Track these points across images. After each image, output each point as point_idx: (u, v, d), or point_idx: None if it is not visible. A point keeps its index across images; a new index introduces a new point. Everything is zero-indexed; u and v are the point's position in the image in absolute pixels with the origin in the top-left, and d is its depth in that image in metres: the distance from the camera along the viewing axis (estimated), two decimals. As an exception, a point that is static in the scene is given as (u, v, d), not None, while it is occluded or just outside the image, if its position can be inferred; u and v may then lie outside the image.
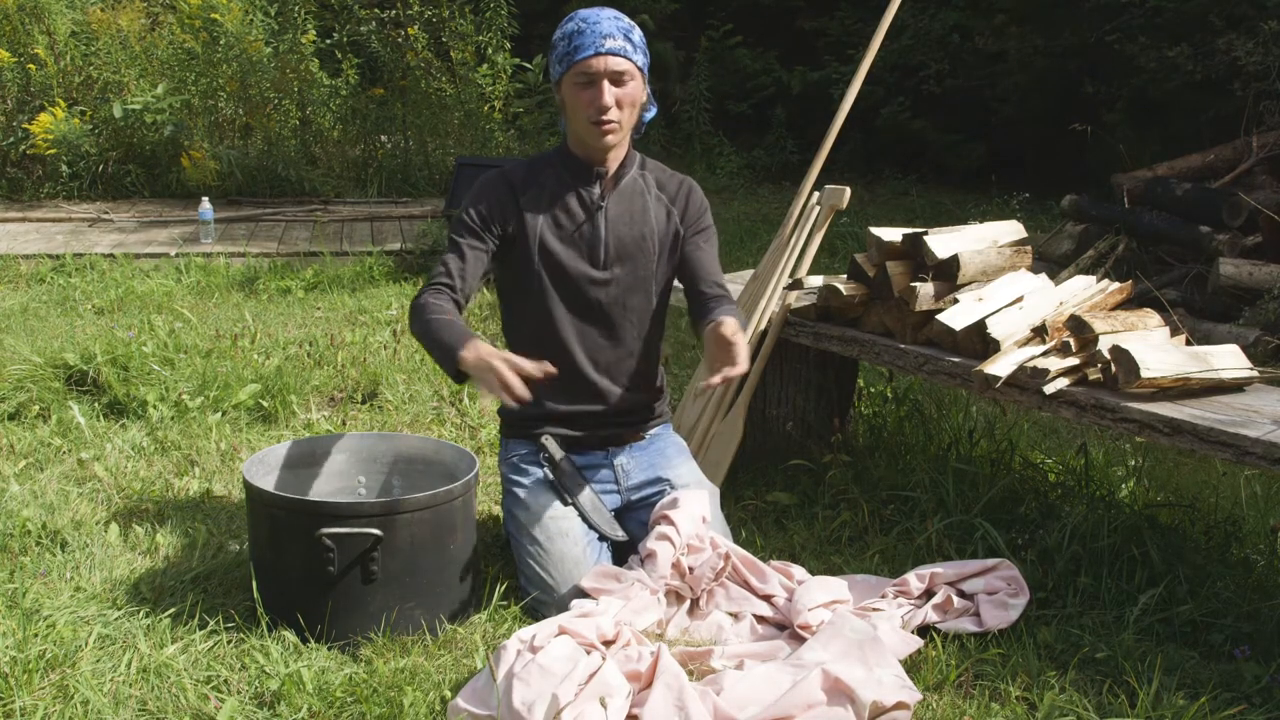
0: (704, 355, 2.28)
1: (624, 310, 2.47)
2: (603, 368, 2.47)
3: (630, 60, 2.31)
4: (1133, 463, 3.17)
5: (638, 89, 2.35)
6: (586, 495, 2.41)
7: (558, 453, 2.43)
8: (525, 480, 2.43)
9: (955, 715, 1.95)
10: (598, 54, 2.27)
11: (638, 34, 2.35)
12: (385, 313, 4.94)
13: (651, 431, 2.57)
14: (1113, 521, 2.52)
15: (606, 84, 2.29)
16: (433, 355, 2.28)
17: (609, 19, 2.32)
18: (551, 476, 2.41)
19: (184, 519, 2.71)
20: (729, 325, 2.16)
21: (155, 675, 1.97)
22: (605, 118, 2.30)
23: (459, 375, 2.20)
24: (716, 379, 2.14)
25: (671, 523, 2.31)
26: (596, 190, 2.43)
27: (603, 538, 2.41)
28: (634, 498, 2.50)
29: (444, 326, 2.25)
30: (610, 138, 2.35)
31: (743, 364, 2.15)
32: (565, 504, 2.38)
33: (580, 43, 2.28)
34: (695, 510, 2.35)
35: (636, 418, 2.54)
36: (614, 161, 2.43)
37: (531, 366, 2.12)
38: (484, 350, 2.14)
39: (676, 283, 2.60)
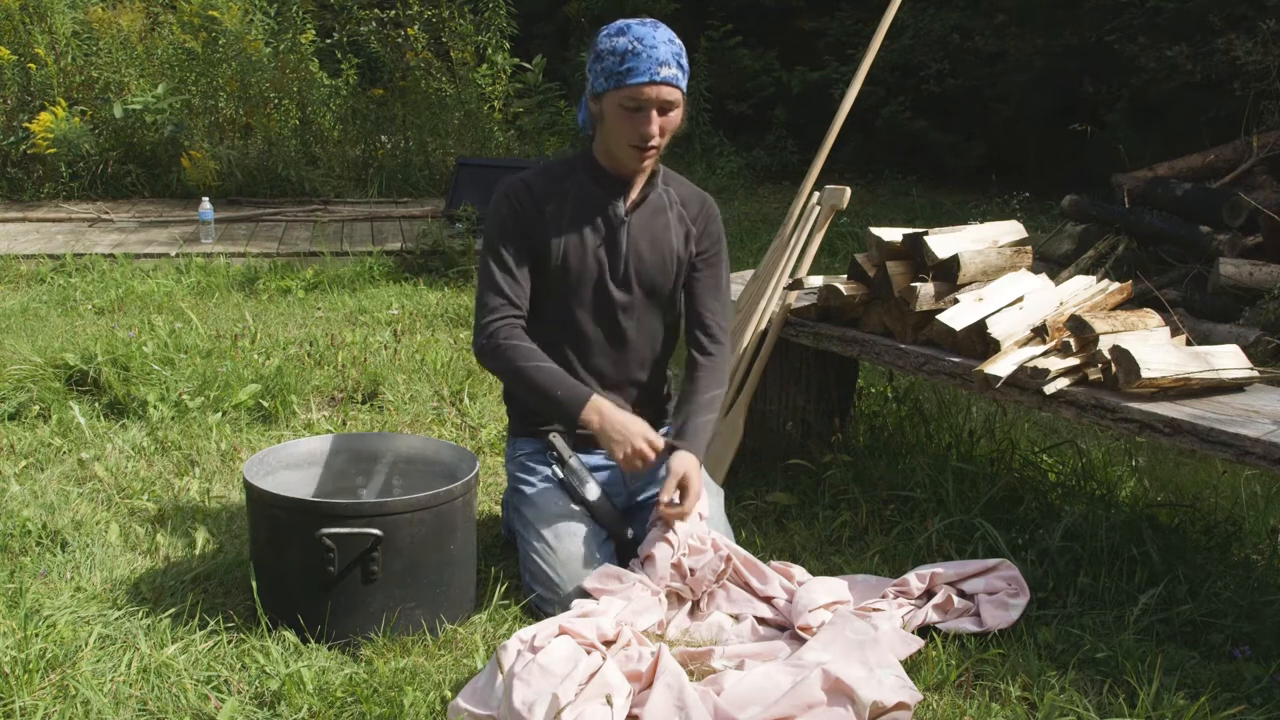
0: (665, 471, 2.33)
1: (638, 328, 2.46)
2: (609, 380, 2.46)
3: (679, 88, 2.26)
4: (1133, 462, 3.17)
5: (680, 115, 2.30)
6: (594, 493, 2.40)
7: (566, 451, 2.42)
8: (533, 479, 2.42)
9: (955, 715, 1.95)
10: (652, 82, 2.20)
11: (685, 55, 2.29)
12: (385, 313, 4.94)
13: (658, 432, 2.57)
14: (1112, 521, 2.52)
15: (654, 113, 2.23)
16: (540, 404, 2.38)
17: (665, 43, 2.23)
18: (560, 475, 2.41)
19: (184, 519, 2.71)
20: (681, 466, 2.29)
21: (155, 675, 1.97)
22: (649, 145, 2.26)
23: (578, 425, 2.33)
24: (662, 513, 2.30)
25: (669, 524, 2.32)
26: (622, 207, 2.39)
27: (609, 537, 2.40)
28: (640, 498, 2.50)
29: (551, 376, 2.32)
30: (647, 162, 2.32)
31: (689, 512, 2.30)
32: (573, 502, 2.38)
33: (634, 65, 2.20)
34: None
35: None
36: (642, 177, 2.40)
37: (660, 446, 2.30)
38: (617, 419, 2.29)
39: None
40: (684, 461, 2.32)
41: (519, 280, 2.36)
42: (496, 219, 2.37)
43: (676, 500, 2.30)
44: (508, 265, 2.35)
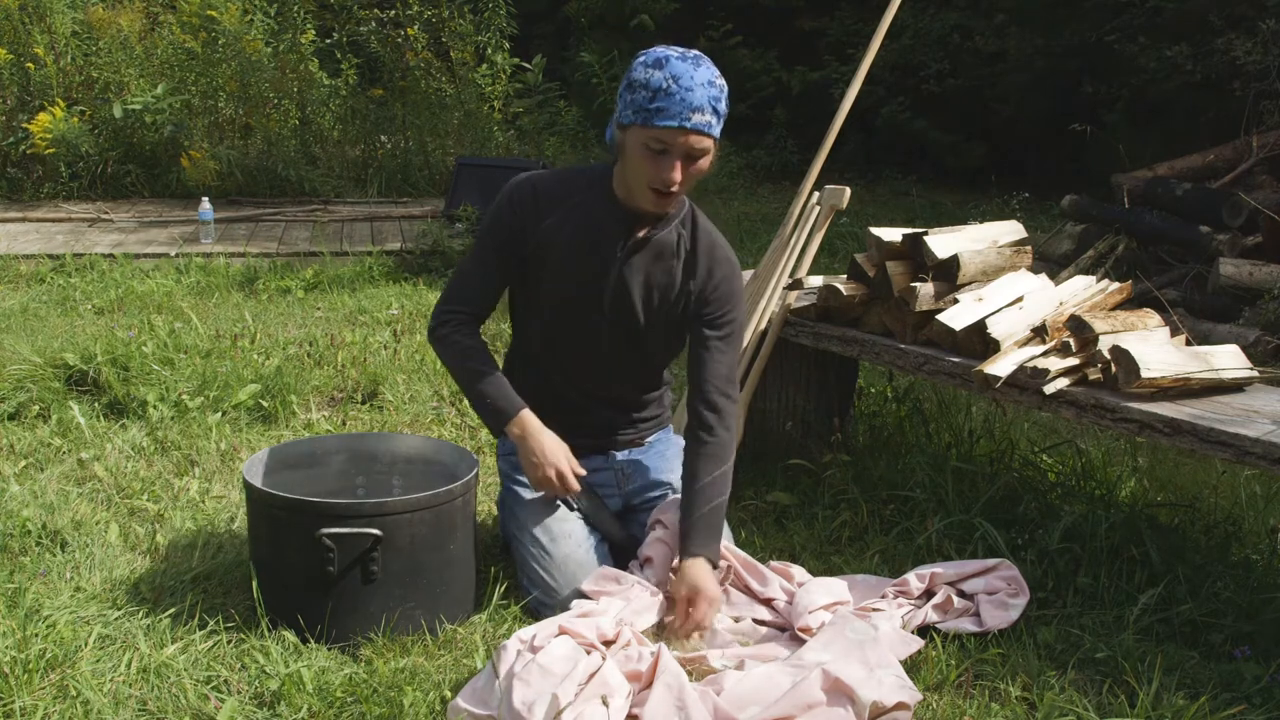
0: (673, 589, 2.20)
1: (621, 354, 2.38)
2: (596, 396, 2.42)
3: (712, 136, 2.09)
4: (1133, 463, 3.17)
5: (708, 161, 2.13)
6: (588, 496, 2.39)
7: None
8: (526, 480, 2.40)
9: (955, 715, 1.95)
10: (681, 129, 2.04)
11: (725, 99, 2.10)
12: (385, 313, 4.94)
13: (651, 438, 2.56)
14: (1112, 521, 2.52)
15: (680, 160, 2.08)
16: (472, 405, 2.35)
17: (703, 85, 2.04)
18: None
19: (184, 519, 2.71)
20: (685, 581, 2.15)
21: (155, 675, 1.97)
22: (669, 190, 2.12)
23: (501, 434, 2.31)
24: (678, 631, 2.14)
25: (666, 526, 2.31)
26: (622, 247, 2.26)
27: (604, 539, 2.40)
28: (635, 501, 2.49)
29: (487, 381, 2.28)
30: (666, 207, 2.19)
31: (705, 624, 2.15)
32: (568, 506, 2.37)
33: (665, 105, 2.03)
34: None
35: (633, 431, 2.52)
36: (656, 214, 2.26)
37: (572, 479, 2.26)
38: (538, 441, 2.24)
39: None
40: (693, 574, 2.16)
41: (490, 282, 2.33)
42: (493, 217, 2.32)
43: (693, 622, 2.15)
44: (485, 267, 2.32)
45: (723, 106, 2.10)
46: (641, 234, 2.27)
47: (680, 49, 2.12)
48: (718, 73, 2.11)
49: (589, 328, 2.34)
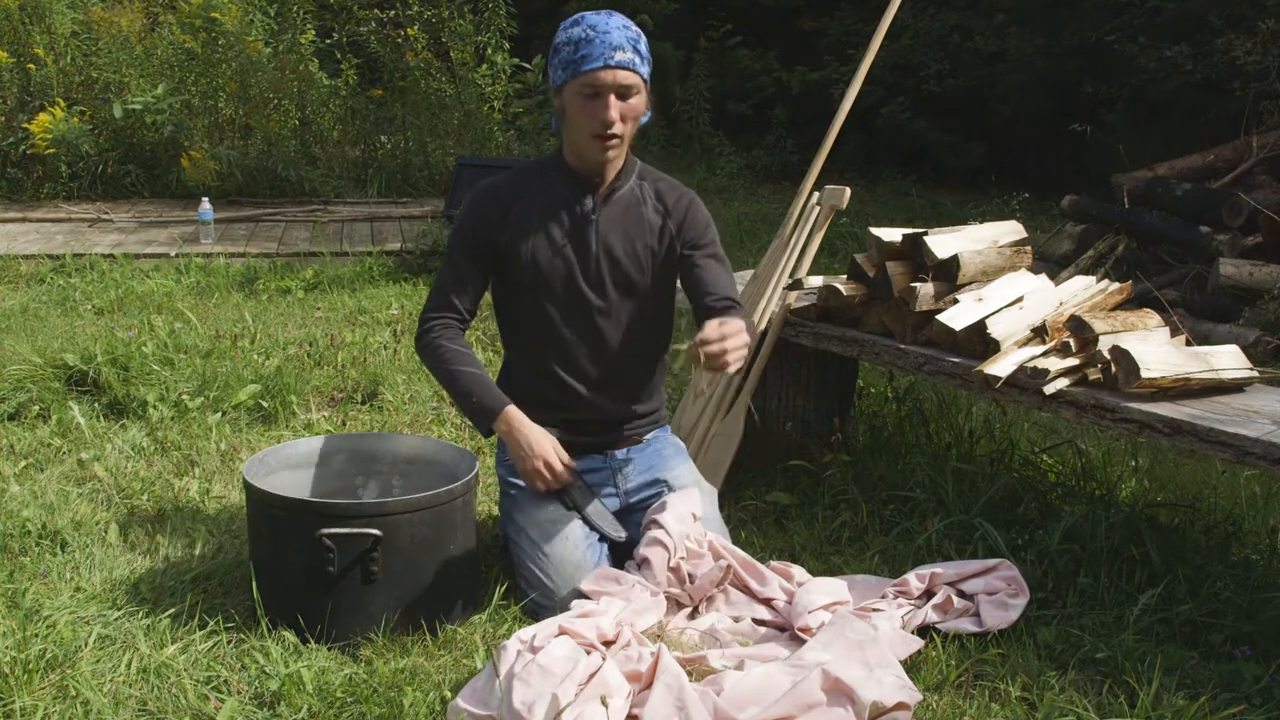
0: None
1: (618, 329, 2.41)
2: (594, 381, 2.43)
3: (638, 73, 2.23)
4: (1133, 462, 3.17)
5: (642, 102, 2.27)
6: (585, 497, 2.39)
7: None
8: (523, 483, 2.40)
9: (955, 715, 1.95)
10: (606, 66, 2.18)
11: (644, 43, 2.27)
12: (385, 313, 4.94)
13: (648, 435, 2.56)
14: (1112, 521, 2.52)
15: (613, 98, 2.21)
16: (459, 407, 2.39)
17: (618, 28, 2.22)
18: None
19: (184, 519, 2.71)
20: (712, 328, 2.02)
21: (155, 675, 1.97)
22: (610, 132, 2.23)
23: (489, 432, 2.34)
24: (709, 340, 2.01)
25: (661, 526, 2.30)
26: (589, 202, 2.36)
27: (603, 539, 2.40)
28: (633, 500, 2.49)
29: (472, 381, 2.33)
30: (612, 152, 2.29)
31: (731, 362, 2.02)
32: (565, 507, 2.37)
33: (588, 52, 2.19)
34: (683, 509, 2.33)
35: (631, 426, 2.52)
36: (611, 171, 2.37)
37: (561, 469, 2.28)
38: (524, 435, 2.28)
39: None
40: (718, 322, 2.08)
41: (468, 287, 2.40)
42: (460, 223, 2.41)
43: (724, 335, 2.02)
44: (459, 271, 2.40)
45: (643, 48, 2.25)
46: (603, 190, 2.37)
47: (594, 10, 2.28)
48: (631, 22, 2.27)
49: (585, 304, 2.38)
